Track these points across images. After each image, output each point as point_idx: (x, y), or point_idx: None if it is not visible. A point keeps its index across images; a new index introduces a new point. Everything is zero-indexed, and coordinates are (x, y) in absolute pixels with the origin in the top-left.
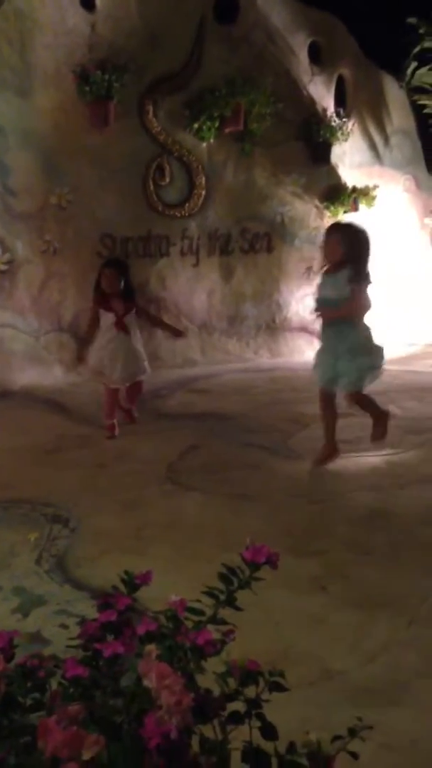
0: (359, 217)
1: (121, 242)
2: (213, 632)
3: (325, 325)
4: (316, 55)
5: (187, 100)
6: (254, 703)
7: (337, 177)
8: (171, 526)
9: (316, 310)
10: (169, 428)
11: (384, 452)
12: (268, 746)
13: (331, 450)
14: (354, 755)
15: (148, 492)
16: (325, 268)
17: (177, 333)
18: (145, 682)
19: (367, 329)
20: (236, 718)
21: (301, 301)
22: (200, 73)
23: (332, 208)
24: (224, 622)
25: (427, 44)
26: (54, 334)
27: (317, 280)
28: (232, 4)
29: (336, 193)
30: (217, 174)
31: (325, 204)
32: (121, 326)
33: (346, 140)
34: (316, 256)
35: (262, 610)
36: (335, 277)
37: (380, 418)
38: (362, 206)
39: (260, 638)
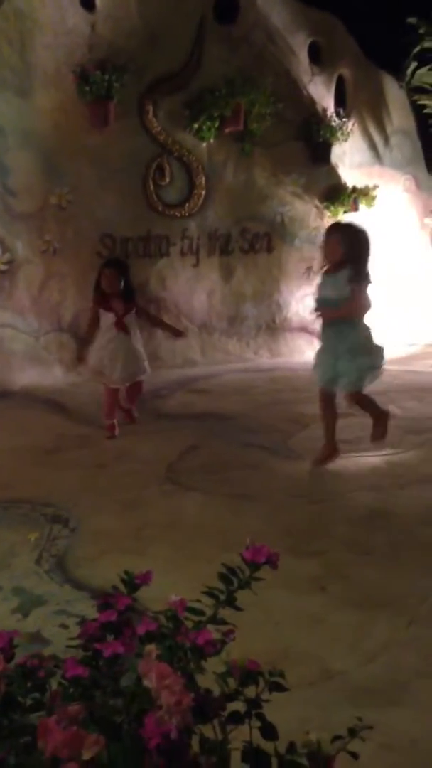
0: (359, 217)
1: (121, 242)
2: (213, 632)
3: (325, 325)
4: (316, 55)
5: (187, 100)
6: (254, 703)
7: (337, 177)
8: (171, 526)
9: (317, 309)
10: (169, 428)
11: (384, 452)
12: (268, 746)
13: (331, 450)
14: (354, 755)
15: (148, 492)
16: (325, 269)
17: (177, 333)
18: (145, 682)
19: (367, 329)
20: (236, 718)
21: (301, 301)
22: (200, 73)
23: (332, 208)
24: (224, 622)
25: (427, 44)
26: (54, 334)
27: (317, 280)
28: (232, 4)
29: (336, 193)
30: (217, 174)
31: (325, 204)
32: (121, 326)
33: (346, 140)
34: (316, 256)
35: (262, 610)
36: (335, 277)
37: (380, 418)
38: (362, 206)
39: (260, 638)
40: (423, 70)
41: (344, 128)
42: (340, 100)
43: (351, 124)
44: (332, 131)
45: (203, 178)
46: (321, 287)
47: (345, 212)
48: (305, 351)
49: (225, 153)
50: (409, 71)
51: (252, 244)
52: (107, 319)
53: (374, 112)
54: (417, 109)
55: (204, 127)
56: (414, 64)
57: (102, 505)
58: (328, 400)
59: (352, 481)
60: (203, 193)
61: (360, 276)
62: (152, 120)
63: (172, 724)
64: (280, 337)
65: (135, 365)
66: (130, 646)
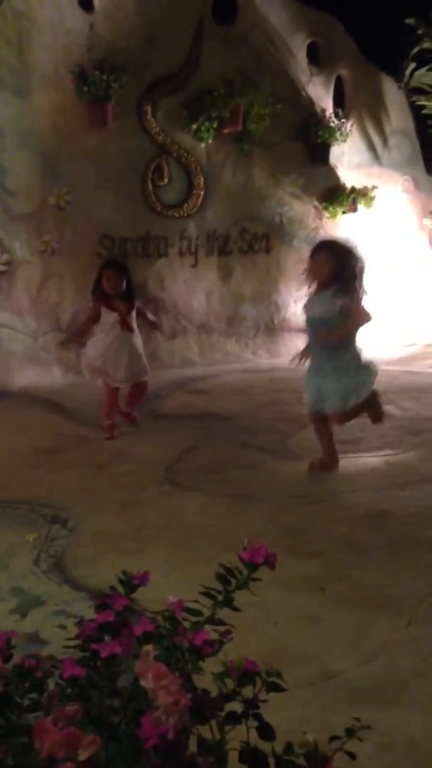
0: (358, 217)
1: (119, 243)
2: (211, 632)
3: (313, 345)
4: (314, 56)
5: (185, 101)
6: (252, 704)
7: (336, 178)
8: (169, 527)
9: (311, 331)
10: (167, 429)
11: (383, 453)
12: (265, 746)
13: (332, 461)
14: (351, 755)
15: (146, 492)
16: (312, 288)
17: (153, 325)
18: (143, 683)
19: (356, 349)
20: (234, 719)
21: (300, 301)
22: (199, 73)
23: (331, 208)
24: (222, 623)
25: (425, 45)
26: (52, 335)
27: (304, 299)
28: (231, 5)
29: (335, 194)
30: (216, 174)
31: (323, 205)
32: (125, 325)
33: (344, 141)
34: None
35: (260, 611)
36: (323, 296)
37: (371, 409)
38: (361, 207)
39: (259, 638)
40: (422, 70)
41: (343, 129)
42: (338, 101)
43: (350, 125)
44: (331, 132)
45: (202, 179)
46: (309, 307)
47: (344, 213)
48: None
49: (224, 153)
50: (407, 72)
51: (251, 244)
52: (109, 317)
53: (373, 112)
54: (415, 110)
55: (203, 128)
56: (413, 65)
57: (101, 506)
58: (318, 419)
59: (351, 482)
60: (202, 193)
61: (350, 295)
62: (151, 120)
63: (169, 724)
64: (278, 337)
65: (138, 365)
66: (128, 647)
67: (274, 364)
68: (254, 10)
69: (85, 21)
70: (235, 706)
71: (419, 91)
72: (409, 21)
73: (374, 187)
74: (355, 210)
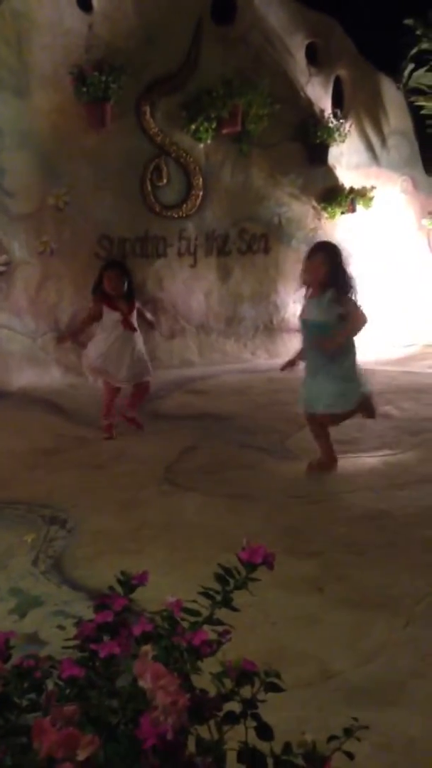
0: (357, 218)
1: (118, 243)
2: (209, 633)
3: (309, 348)
4: (313, 56)
5: (184, 101)
6: (250, 704)
7: (335, 178)
8: (168, 527)
9: (307, 334)
10: (166, 429)
11: (381, 453)
12: (264, 746)
13: (330, 461)
14: (350, 755)
15: (145, 493)
16: (307, 289)
17: (150, 325)
18: (141, 683)
19: (355, 356)
20: (232, 719)
21: (299, 302)
22: (197, 74)
23: (330, 209)
24: (220, 623)
25: (424, 46)
26: (51, 335)
27: (300, 301)
28: (230, 5)
29: (333, 194)
30: (215, 175)
31: (322, 205)
32: (128, 324)
33: (343, 141)
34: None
35: (259, 611)
36: (320, 300)
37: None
38: (360, 207)
39: (257, 638)
40: (420, 71)
41: (341, 129)
42: (337, 101)
43: (348, 125)
44: (329, 132)
45: (200, 179)
46: (306, 310)
47: (342, 213)
48: None
49: (222, 154)
50: (406, 72)
51: (249, 244)
52: (112, 317)
53: (371, 113)
54: (414, 111)
55: (201, 128)
56: (411, 66)
57: (100, 506)
58: (314, 420)
59: (349, 482)
60: (201, 194)
61: (347, 299)
62: (149, 121)
63: (167, 724)
64: (277, 337)
65: (140, 365)
66: (126, 647)
67: (272, 365)
68: (253, 11)
69: (84, 21)
70: (234, 706)
71: (418, 91)
72: (408, 22)
73: (373, 188)
74: (353, 210)
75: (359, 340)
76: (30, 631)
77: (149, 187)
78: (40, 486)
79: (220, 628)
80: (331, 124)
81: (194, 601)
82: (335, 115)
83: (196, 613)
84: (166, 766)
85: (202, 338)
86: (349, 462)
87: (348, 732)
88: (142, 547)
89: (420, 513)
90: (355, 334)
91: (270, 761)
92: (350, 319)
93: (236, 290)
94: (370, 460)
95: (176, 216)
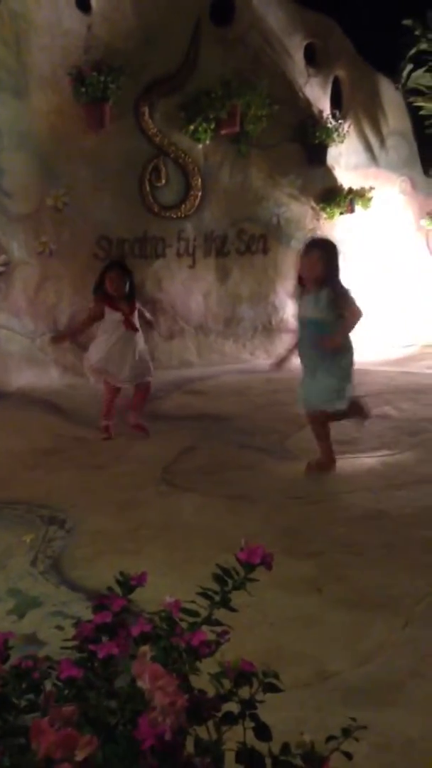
0: (355, 218)
1: (117, 244)
2: (208, 633)
3: (308, 348)
4: (312, 57)
5: (183, 102)
6: (248, 704)
7: (333, 179)
8: (167, 527)
9: (303, 331)
10: (165, 429)
11: (380, 453)
12: (262, 747)
13: (329, 461)
14: (348, 755)
15: (144, 493)
16: (302, 287)
17: (149, 324)
18: (140, 683)
19: (350, 356)
20: (230, 719)
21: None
22: (196, 74)
23: (328, 209)
24: (219, 623)
25: (423, 46)
26: (50, 336)
27: (296, 297)
28: (228, 6)
29: (332, 195)
30: (213, 175)
31: (321, 206)
32: (130, 324)
33: (342, 142)
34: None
35: (258, 611)
36: (317, 296)
37: (355, 413)
38: (358, 208)
39: (255, 639)
40: (419, 72)
41: (340, 130)
42: (336, 102)
43: (347, 126)
44: (328, 133)
45: (199, 180)
46: (302, 307)
47: (341, 214)
48: None
49: (221, 155)
50: (404, 73)
51: (248, 245)
52: (113, 317)
53: (370, 113)
54: (413, 111)
55: (200, 129)
56: (410, 66)
57: (98, 506)
58: (316, 420)
59: (348, 482)
60: (199, 194)
61: (343, 295)
62: (148, 122)
63: (166, 725)
64: (276, 338)
65: (142, 365)
66: (125, 648)
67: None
68: (251, 12)
69: (83, 22)
70: (232, 707)
71: (416, 92)
72: (407, 22)
73: (371, 188)
74: (352, 211)
75: (357, 339)
76: (28, 631)
77: (148, 188)
78: (39, 486)
79: (218, 629)
80: (329, 125)
81: (193, 602)
82: (334, 116)
83: (195, 614)
84: (164, 767)
85: (201, 339)
86: (347, 462)
87: (346, 732)
88: (140, 548)
89: (419, 513)
90: (352, 329)
91: (268, 761)
92: (347, 315)
93: (235, 291)
94: (368, 460)
95: (175, 216)
